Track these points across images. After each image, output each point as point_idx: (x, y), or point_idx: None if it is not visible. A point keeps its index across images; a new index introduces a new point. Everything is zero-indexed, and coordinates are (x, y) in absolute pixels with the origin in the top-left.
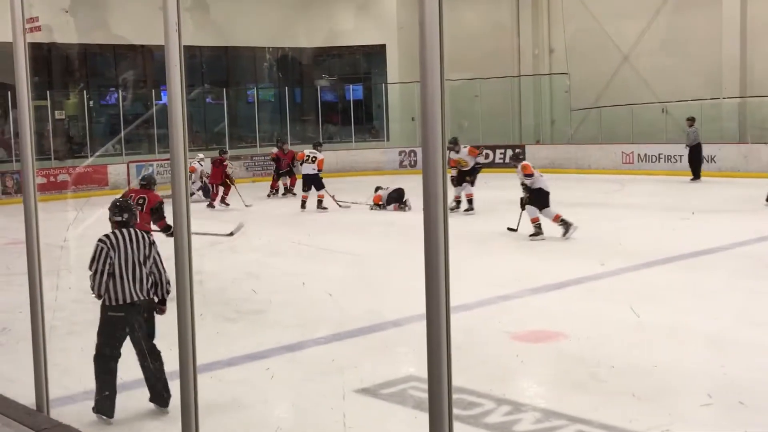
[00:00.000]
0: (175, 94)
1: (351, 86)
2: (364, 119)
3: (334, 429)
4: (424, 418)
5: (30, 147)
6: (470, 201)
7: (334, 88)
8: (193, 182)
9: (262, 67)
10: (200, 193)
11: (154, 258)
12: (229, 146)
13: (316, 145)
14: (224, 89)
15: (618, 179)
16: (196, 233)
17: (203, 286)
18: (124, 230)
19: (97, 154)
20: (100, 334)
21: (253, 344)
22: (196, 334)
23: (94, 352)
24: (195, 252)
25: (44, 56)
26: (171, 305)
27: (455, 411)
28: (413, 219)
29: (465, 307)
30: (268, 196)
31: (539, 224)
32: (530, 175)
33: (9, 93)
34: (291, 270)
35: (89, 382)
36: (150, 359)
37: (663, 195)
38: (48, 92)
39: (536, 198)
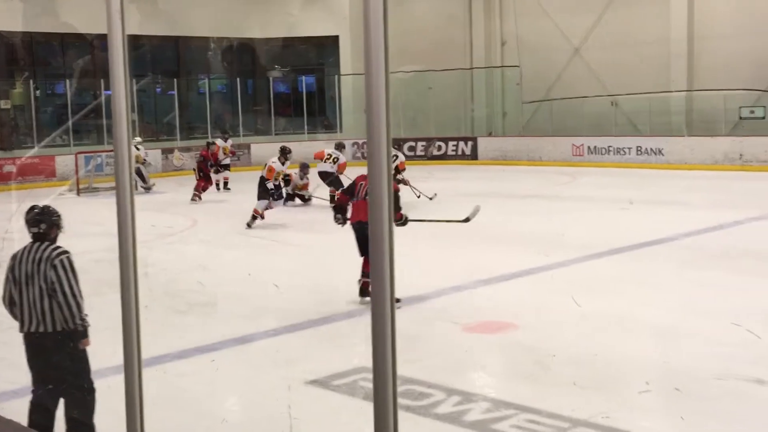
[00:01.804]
0: (119, 84)
1: (304, 77)
2: (317, 110)
3: (283, 420)
4: (372, 409)
5: None
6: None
7: (286, 79)
8: None
9: (215, 58)
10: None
11: (51, 279)
12: (180, 137)
13: (339, 146)
14: (175, 79)
15: (569, 171)
16: (430, 221)
17: (149, 278)
18: (31, 245)
19: (43, 143)
20: None
21: (204, 336)
22: (146, 326)
23: None
24: (142, 244)
25: None
26: (105, 309)
27: (406, 402)
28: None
29: (417, 299)
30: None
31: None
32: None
33: None
34: (241, 262)
35: None
36: (68, 405)
37: (612, 187)
38: None
39: None
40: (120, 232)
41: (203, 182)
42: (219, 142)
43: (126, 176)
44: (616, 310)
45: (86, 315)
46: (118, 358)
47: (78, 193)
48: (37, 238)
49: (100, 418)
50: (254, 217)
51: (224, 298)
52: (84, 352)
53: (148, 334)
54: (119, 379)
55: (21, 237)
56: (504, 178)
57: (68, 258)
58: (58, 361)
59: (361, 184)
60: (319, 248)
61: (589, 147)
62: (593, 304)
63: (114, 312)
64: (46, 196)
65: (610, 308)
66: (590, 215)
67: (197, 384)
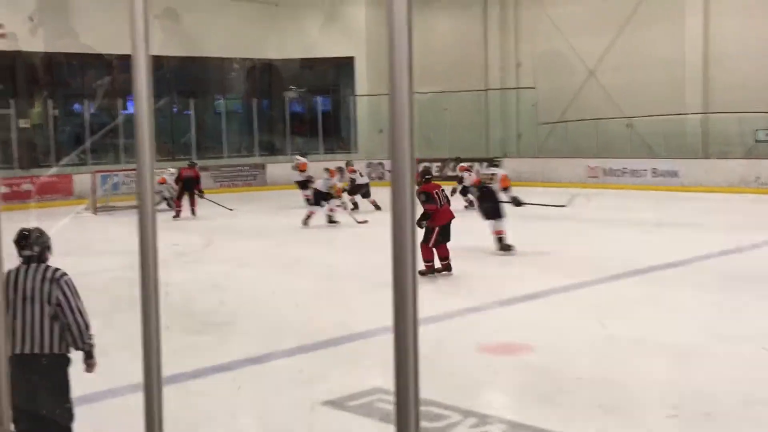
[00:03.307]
0: (142, 105)
1: (320, 98)
2: (332, 131)
3: None
4: (391, 430)
5: None
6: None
7: (302, 99)
8: (158, 192)
9: (230, 78)
10: (164, 203)
11: (58, 299)
12: (196, 157)
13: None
14: (192, 99)
15: (584, 193)
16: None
17: (165, 298)
18: (26, 267)
19: (62, 163)
20: None
21: (220, 356)
22: (163, 346)
23: None
24: (160, 263)
25: (9, 64)
26: (124, 324)
27: (422, 423)
28: (382, 231)
29: (433, 319)
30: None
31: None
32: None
33: None
34: (259, 281)
35: None
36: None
37: (628, 209)
38: (12, 101)
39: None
40: (142, 251)
41: (179, 202)
42: (299, 158)
43: (148, 196)
44: (636, 332)
45: (92, 335)
46: (135, 377)
47: (95, 212)
48: (29, 260)
49: None
50: (500, 239)
51: (241, 317)
52: (67, 375)
53: (166, 354)
54: (135, 398)
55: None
56: None
57: (70, 278)
58: (48, 385)
59: (437, 192)
60: (336, 267)
61: (604, 169)
62: (612, 326)
63: (132, 330)
64: (64, 215)
65: (630, 331)
66: (608, 237)
67: (215, 403)
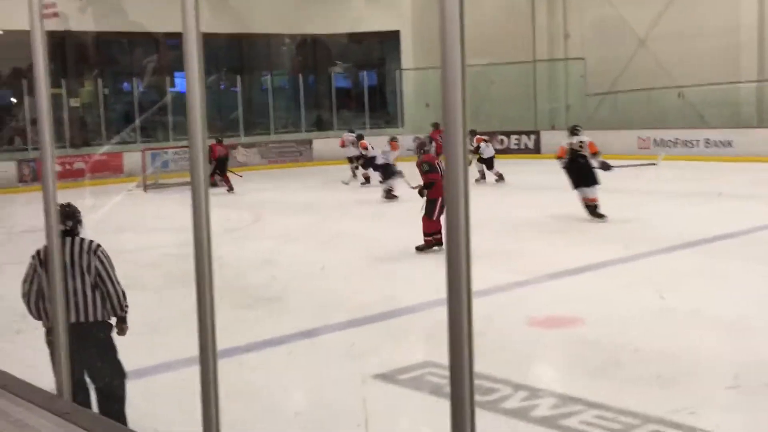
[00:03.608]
0: (193, 81)
1: (365, 72)
2: (378, 105)
3: (353, 414)
4: (441, 403)
5: (49, 135)
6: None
7: (348, 74)
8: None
9: (277, 54)
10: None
11: (97, 269)
12: (244, 133)
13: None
14: (238, 76)
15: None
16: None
17: (221, 271)
18: (60, 240)
19: (113, 141)
20: None
21: (271, 330)
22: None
23: None
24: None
25: (59, 44)
26: (174, 298)
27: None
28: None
29: (483, 293)
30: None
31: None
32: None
33: (24, 80)
34: (308, 256)
35: None
36: (101, 397)
37: (680, 180)
38: (63, 80)
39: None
40: (195, 226)
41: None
42: (347, 135)
43: (201, 172)
44: (690, 304)
45: (127, 303)
46: (188, 351)
47: (145, 190)
48: (64, 234)
49: (172, 409)
50: (595, 207)
51: (292, 292)
52: (113, 340)
53: (219, 328)
54: (189, 372)
55: (93, 234)
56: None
57: (104, 249)
58: (96, 351)
59: (438, 162)
60: (384, 242)
61: (655, 139)
62: (669, 298)
63: (184, 306)
64: (116, 193)
65: (683, 302)
66: (660, 209)
67: (268, 377)
